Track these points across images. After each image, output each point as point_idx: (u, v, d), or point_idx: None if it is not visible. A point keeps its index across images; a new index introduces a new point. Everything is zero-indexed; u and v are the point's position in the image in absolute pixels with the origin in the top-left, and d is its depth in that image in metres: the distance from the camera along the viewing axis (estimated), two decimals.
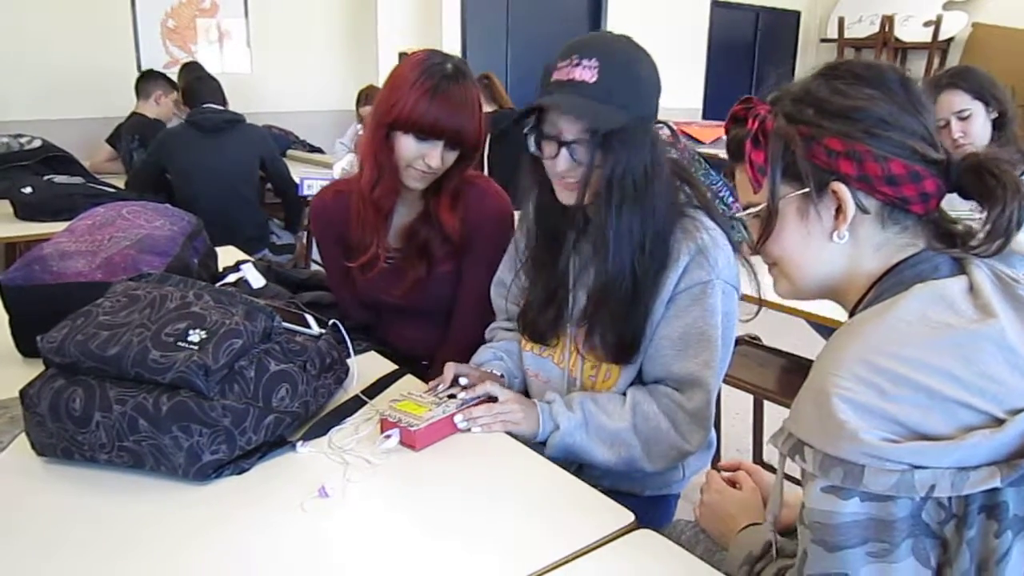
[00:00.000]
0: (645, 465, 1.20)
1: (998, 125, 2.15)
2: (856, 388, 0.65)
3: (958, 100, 2.15)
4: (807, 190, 0.77)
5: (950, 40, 6.37)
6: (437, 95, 1.35)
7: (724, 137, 0.92)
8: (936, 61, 6.40)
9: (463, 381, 1.25)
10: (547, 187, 1.21)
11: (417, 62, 1.39)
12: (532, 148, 1.18)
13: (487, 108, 3.95)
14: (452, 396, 1.22)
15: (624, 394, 1.24)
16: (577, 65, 1.09)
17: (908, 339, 0.66)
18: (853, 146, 0.75)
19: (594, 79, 1.09)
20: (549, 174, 1.18)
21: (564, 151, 1.12)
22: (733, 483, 1.08)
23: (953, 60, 6.38)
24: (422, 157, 1.39)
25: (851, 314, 0.82)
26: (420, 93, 1.35)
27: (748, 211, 0.84)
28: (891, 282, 0.76)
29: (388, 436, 1.12)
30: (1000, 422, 0.62)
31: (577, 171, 1.14)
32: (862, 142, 0.75)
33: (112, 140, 3.87)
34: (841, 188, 0.76)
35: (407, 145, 1.39)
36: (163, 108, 3.86)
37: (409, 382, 1.37)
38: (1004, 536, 0.63)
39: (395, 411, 1.16)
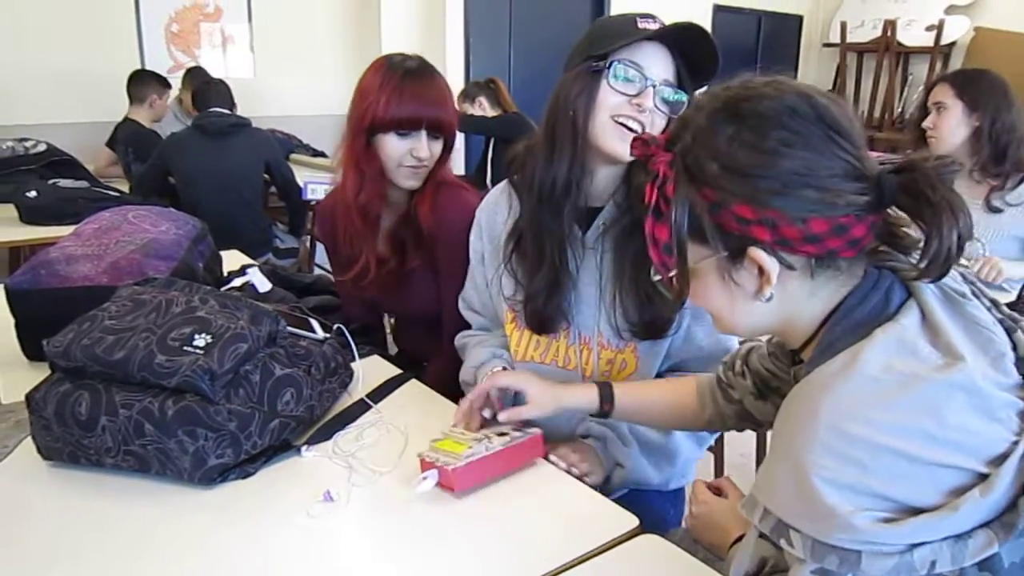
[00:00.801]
0: (696, 455, 1.28)
1: (979, 136, 2.08)
2: (835, 466, 0.61)
3: (940, 92, 2.15)
4: (722, 255, 0.71)
5: (952, 44, 6.37)
6: (405, 88, 1.38)
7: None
8: (938, 66, 6.39)
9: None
10: (580, 156, 1.17)
11: (378, 66, 1.42)
12: (612, 84, 1.12)
13: (492, 112, 3.95)
14: (503, 434, 1.09)
15: None
16: (659, 25, 1.13)
17: (878, 400, 0.62)
18: (764, 213, 0.67)
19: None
20: (605, 119, 1.14)
21: (650, 88, 1.12)
22: (719, 491, 1.07)
23: (955, 64, 6.37)
24: (410, 152, 1.41)
25: (798, 352, 0.79)
26: (390, 91, 1.38)
27: (663, 276, 0.77)
28: (844, 327, 0.70)
29: (425, 478, 1.00)
30: (983, 476, 0.61)
31: (649, 117, 1.13)
32: (772, 207, 0.67)
33: (111, 144, 3.88)
34: (758, 254, 0.69)
35: (392, 144, 1.41)
36: (158, 110, 3.84)
37: (413, 386, 1.38)
38: None
39: (434, 451, 1.05)
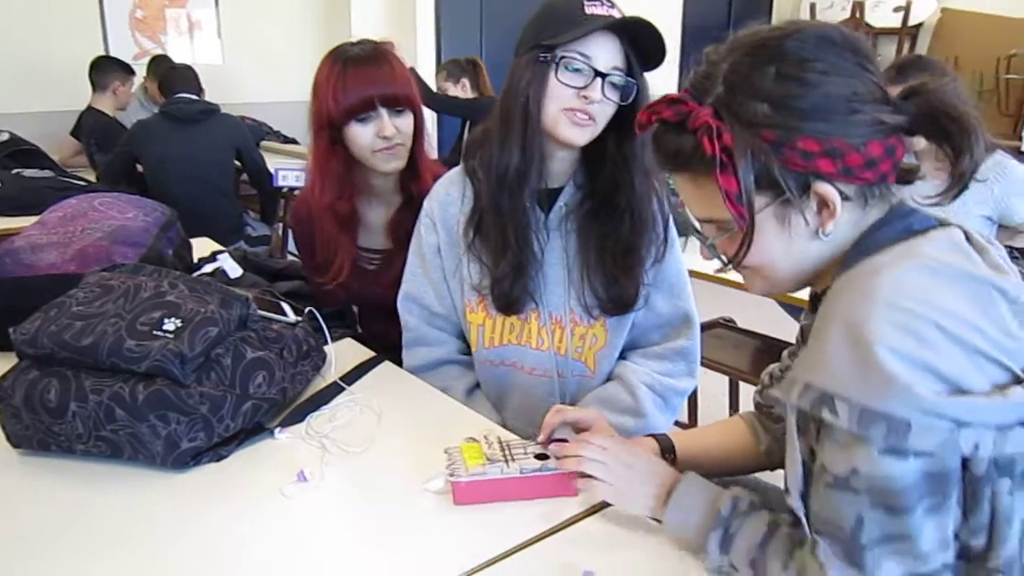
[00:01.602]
0: (668, 426, 1.29)
1: None
2: (896, 335, 0.62)
3: (895, 93, 2.16)
4: (786, 197, 0.71)
5: (919, 25, 6.44)
6: (349, 74, 1.37)
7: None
8: (906, 46, 6.47)
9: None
10: (535, 141, 1.18)
11: (325, 60, 1.42)
12: (560, 78, 1.13)
13: (469, 95, 3.91)
14: (543, 456, 1.00)
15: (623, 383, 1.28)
16: (612, 7, 1.13)
17: (935, 286, 0.65)
18: (829, 142, 0.68)
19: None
20: (554, 109, 1.15)
21: (598, 80, 1.13)
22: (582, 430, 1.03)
23: (922, 45, 6.46)
24: (376, 134, 1.40)
25: (821, 294, 0.79)
26: (335, 80, 1.38)
27: (721, 235, 0.77)
28: (881, 237, 0.72)
29: (435, 477, 0.98)
30: (1019, 380, 0.63)
31: (598, 107, 1.14)
32: (837, 135, 0.69)
33: (75, 133, 3.81)
34: (825, 188, 0.70)
35: (357, 133, 1.40)
36: (121, 97, 3.77)
37: (387, 368, 1.38)
38: (1014, 494, 0.65)
39: (457, 452, 1.00)
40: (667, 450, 1.06)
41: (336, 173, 1.45)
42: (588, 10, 1.12)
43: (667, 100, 0.75)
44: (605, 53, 1.13)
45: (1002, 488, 0.65)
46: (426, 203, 1.37)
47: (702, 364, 2.31)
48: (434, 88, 3.91)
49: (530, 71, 1.15)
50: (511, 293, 1.25)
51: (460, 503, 0.96)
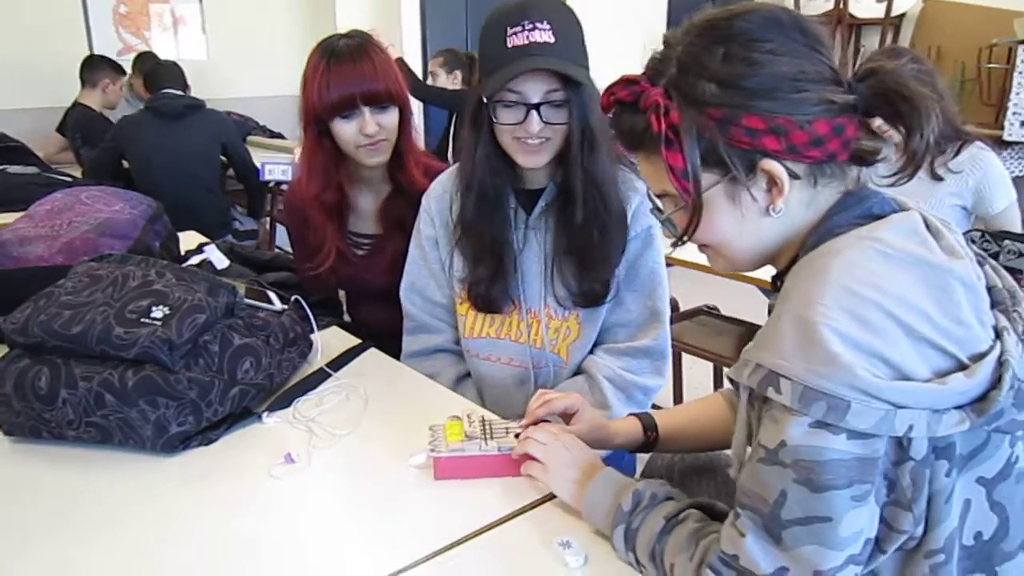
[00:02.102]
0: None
1: None
2: (842, 319, 0.63)
3: None
4: (734, 174, 0.73)
5: (902, 16, 6.49)
6: (332, 71, 1.38)
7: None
8: (889, 36, 6.52)
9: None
10: (495, 161, 1.23)
11: (312, 53, 1.43)
12: (497, 117, 1.17)
13: (456, 85, 3.92)
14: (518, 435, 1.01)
15: (588, 379, 1.31)
16: (533, 29, 1.12)
17: (888, 272, 0.66)
18: (773, 120, 0.70)
19: (553, 40, 1.13)
20: (507, 140, 1.19)
21: (533, 113, 1.14)
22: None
23: (905, 35, 6.51)
24: (359, 131, 1.41)
25: (784, 272, 0.81)
26: (319, 78, 1.39)
27: (674, 211, 0.79)
28: (840, 220, 0.74)
29: (419, 453, 1.02)
30: (963, 366, 0.65)
31: (545, 131, 1.17)
32: (781, 113, 0.70)
33: (61, 129, 3.81)
34: (771, 165, 0.72)
35: (341, 128, 1.42)
36: (110, 96, 3.78)
37: (373, 355, 1.41)
38: (952, 475, 0.67)
39: (438, 428, 1.03)
40: (649, 427, 1.08)
41: (322, 165, 1.47)
42: (510, 42, 1.12)
43: (624, 81, 0.77)
44: (534, 83, 1.14)
45: (939, 470, 0.66)
46: (424, 199, 1.41)
47: (687, 351, 2.37)
48: (428, 69, 3.91)
49: (474, 108, 1.19)
50: (488, 295, 1.29)
51: (440, 478, 0.99)
